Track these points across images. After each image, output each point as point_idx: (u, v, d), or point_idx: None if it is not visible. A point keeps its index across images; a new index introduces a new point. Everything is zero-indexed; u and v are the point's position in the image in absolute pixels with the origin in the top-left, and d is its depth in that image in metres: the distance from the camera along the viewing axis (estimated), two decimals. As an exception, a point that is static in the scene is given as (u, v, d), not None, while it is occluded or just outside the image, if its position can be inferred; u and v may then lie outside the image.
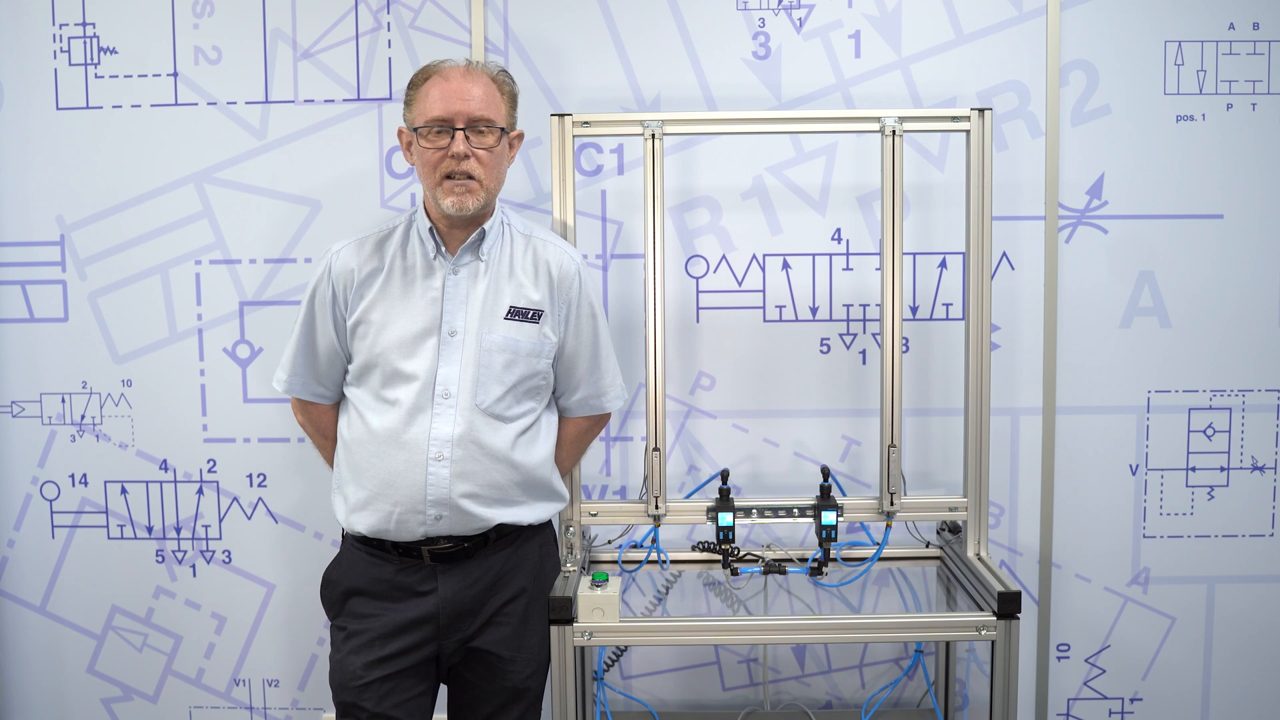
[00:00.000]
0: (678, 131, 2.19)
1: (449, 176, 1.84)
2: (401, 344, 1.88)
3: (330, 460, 2.04)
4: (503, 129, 1.88)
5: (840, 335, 2.43)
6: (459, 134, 1.83)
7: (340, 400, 2.01)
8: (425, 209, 1.94)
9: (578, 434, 2.08)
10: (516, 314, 1.91)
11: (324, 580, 2.00)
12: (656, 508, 2.20)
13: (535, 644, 1.98)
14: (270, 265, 2.43)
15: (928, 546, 2.39)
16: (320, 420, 2.03)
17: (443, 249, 1.91)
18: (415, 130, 1.86)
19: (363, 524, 1.90)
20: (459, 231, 1.91)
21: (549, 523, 2.06)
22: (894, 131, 2.12)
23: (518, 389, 1.91)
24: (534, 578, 1.99)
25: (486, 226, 1.92)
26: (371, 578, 1.92)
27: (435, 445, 1.86)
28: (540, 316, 1.93)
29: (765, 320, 2.43)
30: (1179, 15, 2.35)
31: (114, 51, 2.40)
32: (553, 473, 2.01)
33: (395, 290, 1.90)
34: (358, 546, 1.95)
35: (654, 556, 2.33)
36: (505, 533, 1.94)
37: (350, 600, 1.94)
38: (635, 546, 2.36)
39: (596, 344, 2.01)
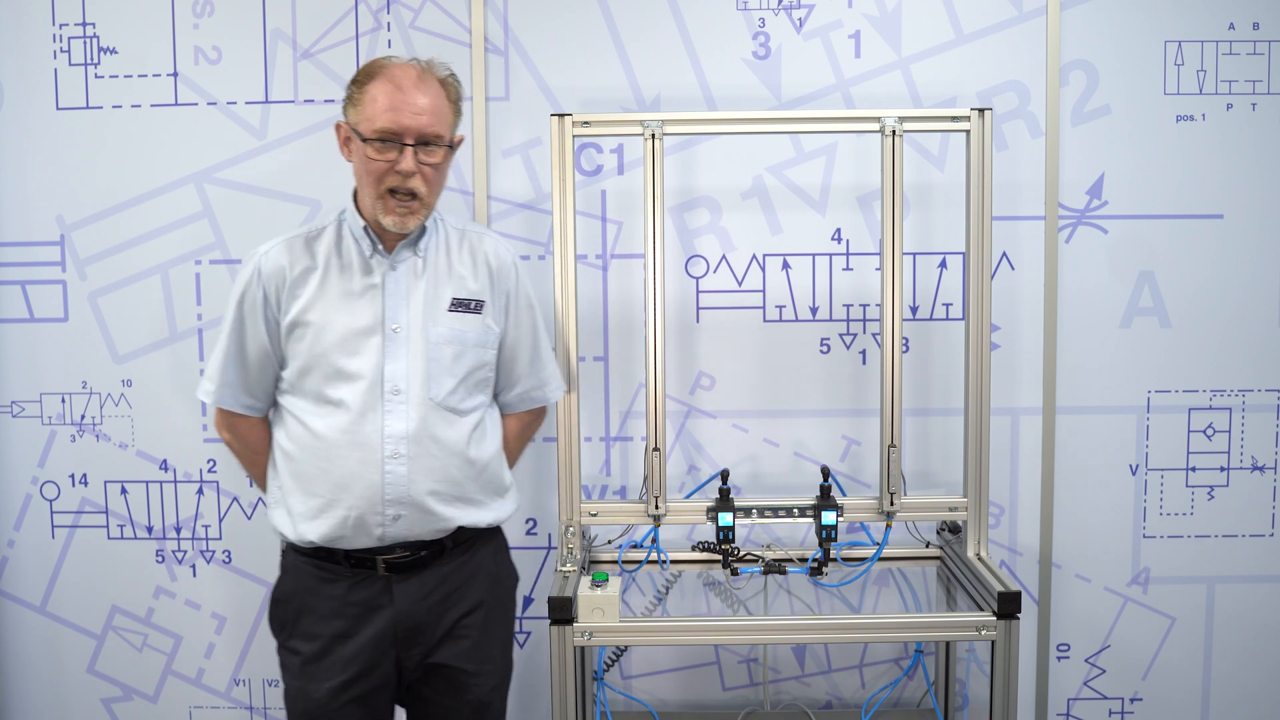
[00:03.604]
0: (678, 131, 2.19)
1: (392, 192, 1.79)
2: (344, 343, 1.82)
3: (260, 478, 1.97)
4: (449, 144, 1.84)
5: (840, 335, 2.43)
6: (408, 150, 1.77)
7: (268, 414, 1.94)
8: (358, 208, 1.87)
9: (521, 429, 2.06)
10: (459, 305, 1.88)
11: (273, 600, 1.92)
12: (656, 508, 2.20)
13: (497, 656, 1.95)
14: (270, 265, 2.43)
15: (928, 546, 2.39)
16: (249, 435, 1.93)
17: (379, 247, 1.85)
18: (362, 137, 1.79)
19: (315, 533, 1.82)
20: (394, 232, 1.85)
21: (500, 529, 2.01)
22: (894, 131, 2.12)
23: (468, 381, 1.89)
24: (491, 588, 1.95)
25: (427, 224, 1.88)
26: (324, 595, 1.85)
27: (390, 443, 1.81)
28: (482, 307, 1.90)
29: (765, 320, 2.43)
30: (1179, 15, 2.35)
31: (114, 51, 2.40)
32: (503, 468, 1.98)
33: (333, 289, 1.84)
34: (305, 562, 1.87)
35: (654, 556, 2.33)
36: (460, 540, 1.90)
37: (302, 620, 1.87)
38: (635, 546, 2.36)
39: (536, 335, 2.00)
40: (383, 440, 1.81)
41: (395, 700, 1.95)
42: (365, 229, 1.86)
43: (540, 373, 2.02)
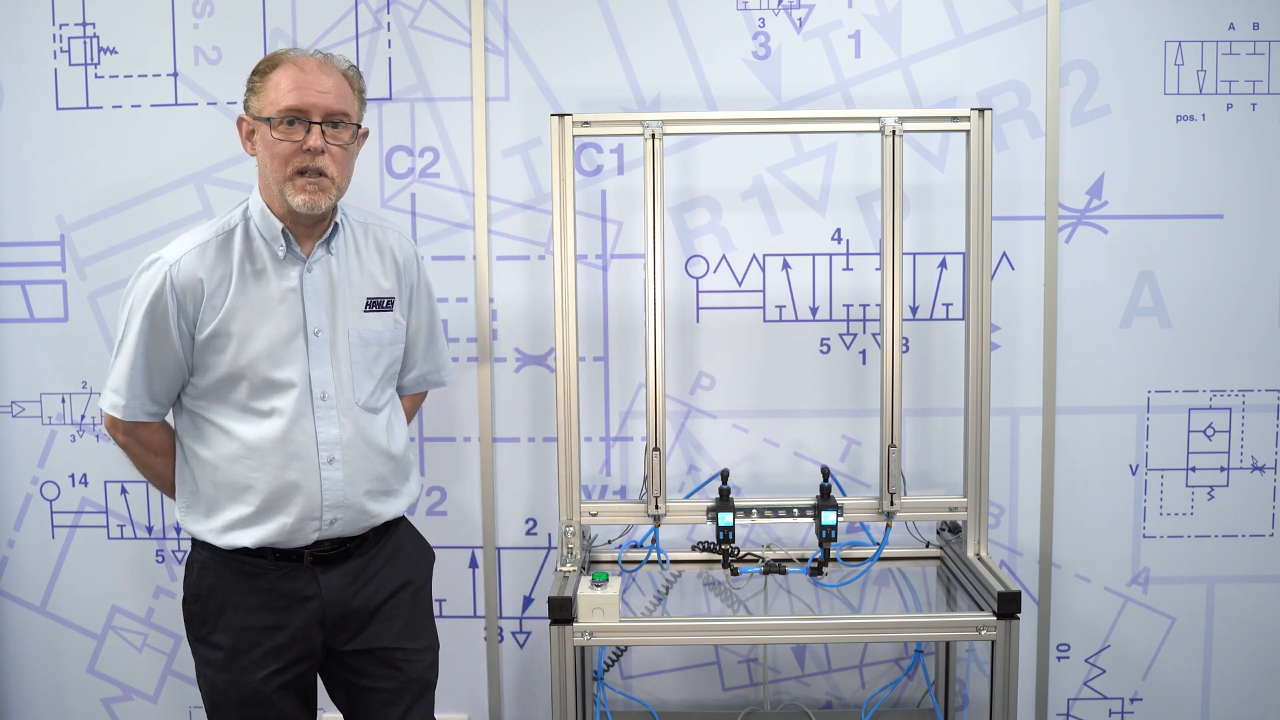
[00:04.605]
0: (678, 131, 2.19)
1: (301, 173, 1.75)
2: (270, 352, 1.78)
3: (160, 480, 1.91)
4: (356, 125, 1.81)
5: (840, 335, 2.43)
6: (315, 127, 1.74)
7: (165, 416, 1.88)
8: (268, 206, 1.81)
9: (412, 409, 2.10)
10: (374, 305, 1.88)
11: (191, 595, 1.86)
12: (656, 508, 2.20)
13: (430, 632, 1.99)
14: (270, 265, 2.42)
15: (928, 546, 2.40)
16: (152, 439, 1.86)
17: (295, 248, 1.81)
18: (266, 120, 1.75)
19: (248, 539, 1.79)
20: (306, 229, 1.82)
21: (406, 516, 2.02)
22: (894, 131, 2.12)
23: (383, 379, 1.90)
24: (413, 567, 1.97)
25: (338, 220, 1.85)
26: (248, 589, 1.82)
27: (325, 449, 1.80)
28: (393, 304, 1.91)
29: (765, 320, 2.43)
30: (1179, 15, 2.35)
31: (114, 51, 2.40)
32: (411, 452, 2.01)
33: (251, 297, 1.79)
34: (225, 559, 1.83)
35: (654, 556, 2.33)
36: (381, 531, 1.92)
37: (226, 614, 1.83)
38: (635, 546, 2.36)
39: (433, 321, 2.03)
40: (318, 448, 1.81)
41: (316, 679, 1.95)
42: (283, 231, 1.80)
43: (436, 357, 2.06)
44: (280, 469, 1.79)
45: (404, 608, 1.93)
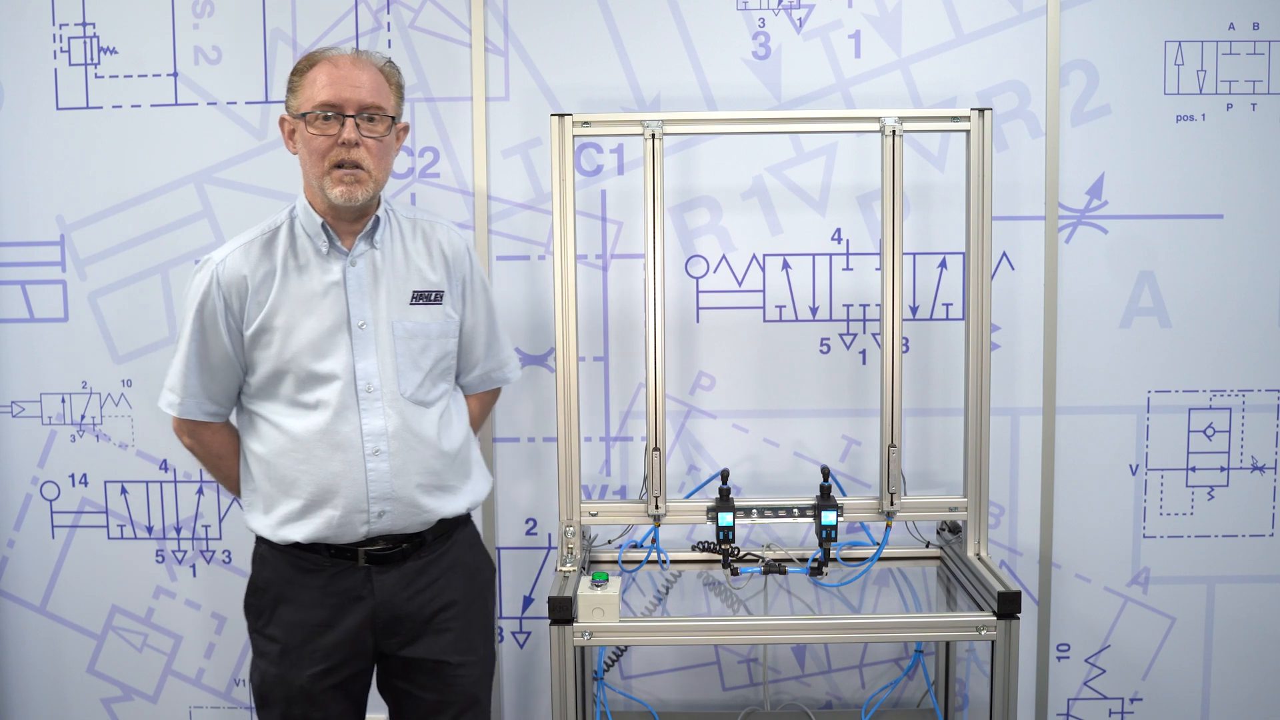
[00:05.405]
0: (678, 131, 2.19)
1: (338, 166, 1.78)
2: (313, 345, 1.82)
3: (228, 482, 1.97)
4: (392, 119, 1.84)
5: (840, 335, 2.43)
6: (349, 121, 1.77)
7: (230, 418, 1.94)
8: (310, 203, 1.86)
9: (481, 408, 2.10)
10: (421, 298, 1.89)
11: (251, 588, 1.92)
12: (656, 508, 2.20)
13: (480, 646, 1.97)
14: (270, 265, 2.43)
15: (928, 546, 2.40)
16: (213, 441, 1.92)
17: (336, 243, 1.85)
18: (302, 117, 1.79)
19: (300, 534, 1.82)
20: (348, 224, 1.86)
21: (472, 521, 2.03)
22: (894, 131, 2.12)
23: (433, 372, 1.90)
24: (469, 581, 1.96)
25: (380, 214, 1.88)
26: (304, 585, 1.86)
27: (370, 441, 1.82)
28: (442, 297, 1.91)
29: (765, 320, 2.43)
30: (1179, 15, 2.35)
31: (114, 51, 2.40)
32: (473, 450, 2.00)
33: (294, 292, 1.83)
34: (283, 554, 1.87)
35: (654, 556, 2.33)
36: (439, 533, 1.92)
37: (281, 608, 1.87)
38: (635, 546, 2.36)
39: (491, 317, 2.02)
40: (363, 439, 1.82)
41: (379, 689, 1.97)
42: (323, 225, 1.84)
43: (499, 354, 2.06)
44: (325, 461, 1.81)
45: (457, 621, 1.92)
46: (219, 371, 1.86)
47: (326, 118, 1.78)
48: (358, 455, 1.82)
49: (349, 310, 1.84)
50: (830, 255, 2.42)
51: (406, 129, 1.93)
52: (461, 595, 1.93)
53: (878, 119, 2.13)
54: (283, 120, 1.86)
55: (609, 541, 2.39)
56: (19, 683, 2.57)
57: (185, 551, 2.50)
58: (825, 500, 2.21)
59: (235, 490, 1.97)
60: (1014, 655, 1.94)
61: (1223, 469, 2.45)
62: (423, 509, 1.86)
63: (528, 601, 2.51)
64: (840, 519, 2.21)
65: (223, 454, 1.94)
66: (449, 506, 1.91)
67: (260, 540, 1.91)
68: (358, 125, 1.78)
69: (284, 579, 1.88)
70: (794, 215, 2.41)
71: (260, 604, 1.90)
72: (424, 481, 1.86)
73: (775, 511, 2.23)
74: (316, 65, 1.81)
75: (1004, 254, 2.40)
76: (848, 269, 2.42)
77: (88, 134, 2.41)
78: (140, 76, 2.40)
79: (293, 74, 1.84)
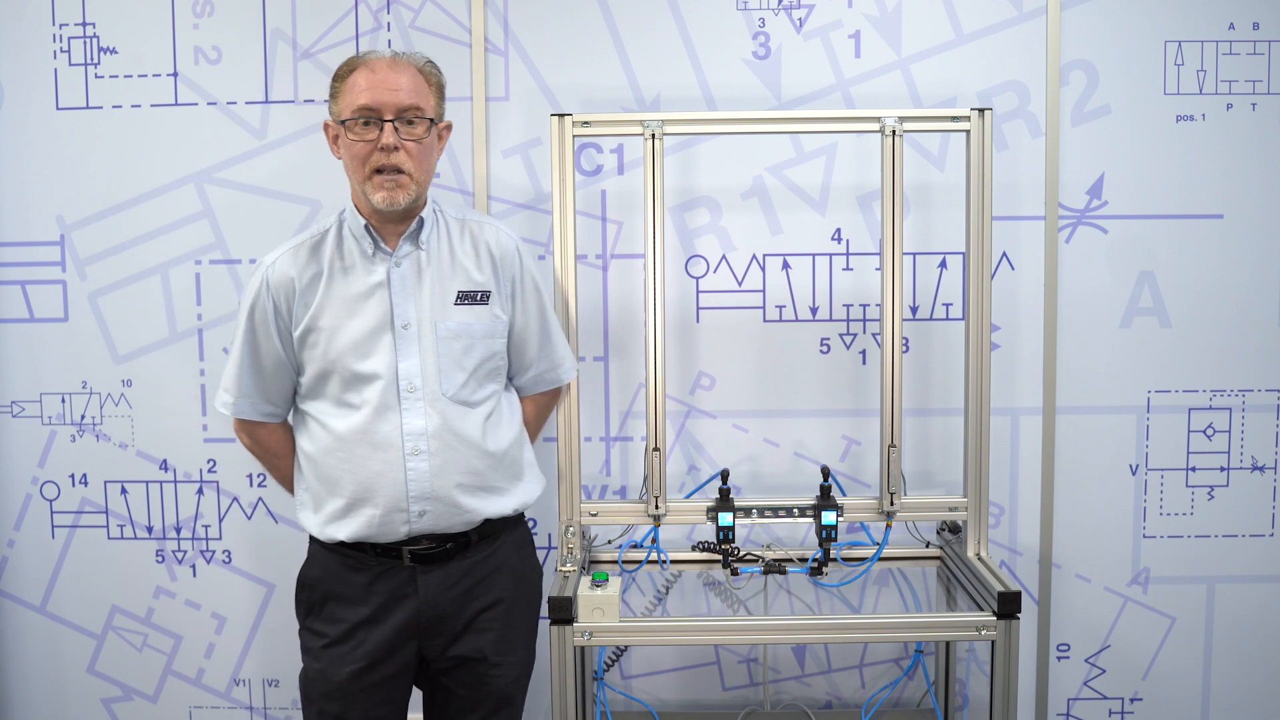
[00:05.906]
0: (678, 131, 2.19)
1: (378, 171, 1.80)
2: (356, 345, 1.83)
3: (285, 481, 2.00)
4: (431, 119, 1.84)
5: (840, 335, 2.43)
6: (388, 125, 1.79)
7: (288, 418, 1.97)
8: (355, 206, 1.88)
9: (538, 410, 2.08)
10: (466, 298, 1.89)
11: (300, 583, 1.95)
12: (656, 508, 2.20)
13: (520, 648, 1.97)
14: (270, 265, 2.43)
15: (928, 546, 2.39)
16: (269, 440, 1.96)
17: (381, 244, 1.86)
18: (342, 123, 1.82)
19: (343, 532, 1.85)
20: (393, 225, 1.87)
21: (524, 523, 2.03)
22: (894, 131, 2.12)
23: (478, 373, 1.89)
24: (515, 582, 1.96)
25: (424, 215, 1.88)
26: (350, 582, 1.88)
27: (410, 440, 1.83)
28: (488, 297, 1.91)
29: (765, 320, 2.43)
30: (1179, 15, 2.35)
31: (114, 51, 2.40)
32: (525, 452, 2.00)
33: (339, 293, 1.85)
34: (331, 551, 1.90)
35: (654, 556, 2.33)
36: (486, 533, 1.92)
37: (328, 605, 1.90)
38: (635, 546, 2.36)
39: (544, 318, 2.01)
40: (403, 438, 1.83)
41: (413, 684, 1.98)
42: (366, 227, 1.86)
43: (552, 355, 2.03)
44: (365, 460, 1.83)
45: (499, 621, 1.93)
46: (271, 372, 1.89)
47: (366, 123, 1.80)
48: (398, 455, 1.83)
49: (393, 311, 1.85)
50: (830, 255, 2.42)
51: (450, 127, 1.93)
52: (507, 595, 1.94)
53: (878, 119, 2.13)
54: (326, 126, 1.88)
55: (609, 541, 2.39)
56: (19, 683, 2.57)
57: (185, 551, 2.50)
58: (825, 500, 2.21)
59: (291, 489, 1.99)
60: (1014, 655, 1.94)
61: (1223, 469, 2.45)
62: (464, 509, 1.87)
63: (528, 601, 2.51)
64: (840, 519, 2.21)
65: (280, 453, 1.97)
66: (493, 507, 1.90)
67: (312, 539, 1.93)
68: (396, 129, 1.79)
69: (332, 576, 1.90)
70: (794, 215, 2.41)
71: (310, 599, 1.93)
72: (465, 481, 1.86)
73: (775, 511, 2.23)
74: (355, 70, 1.82)
75: (1004, 254, 2.40)
76: (848, 269, 2.42)
77: (88, 134, 2.41)
78: (140, 76, 2.40)
79: (333, 80, 1.86)
